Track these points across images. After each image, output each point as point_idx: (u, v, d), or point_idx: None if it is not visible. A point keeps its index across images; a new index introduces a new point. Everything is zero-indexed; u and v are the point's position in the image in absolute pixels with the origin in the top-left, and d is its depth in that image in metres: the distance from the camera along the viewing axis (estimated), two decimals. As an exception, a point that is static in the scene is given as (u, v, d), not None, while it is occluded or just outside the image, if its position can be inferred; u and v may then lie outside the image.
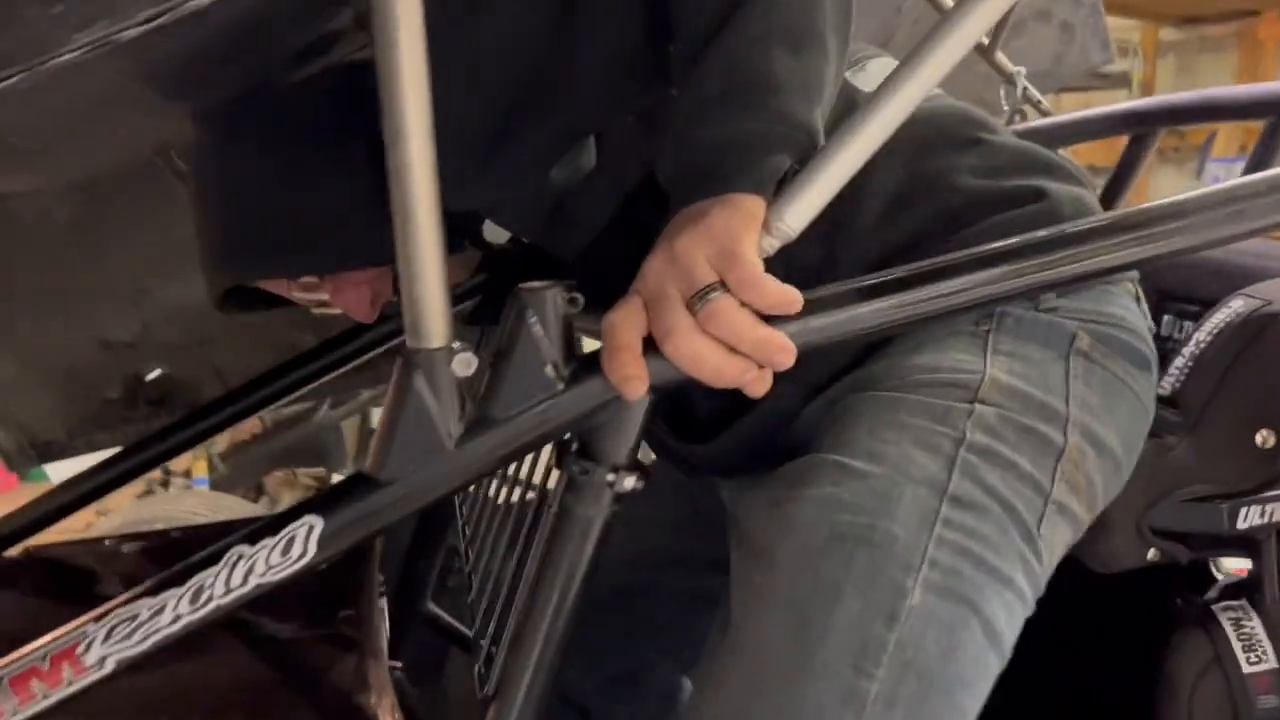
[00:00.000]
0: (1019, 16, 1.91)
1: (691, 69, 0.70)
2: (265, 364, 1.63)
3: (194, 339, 1.68)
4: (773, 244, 0.67)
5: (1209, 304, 0.97)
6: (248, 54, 1.02)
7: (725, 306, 0.63)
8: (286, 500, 3.56)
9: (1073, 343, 0.79)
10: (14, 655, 0.64)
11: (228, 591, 0.64)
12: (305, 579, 0.66)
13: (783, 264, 0.67)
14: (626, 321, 0.65)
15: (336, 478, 3.58)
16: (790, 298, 0.65)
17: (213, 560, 0.65)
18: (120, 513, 2.99)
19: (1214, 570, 1.00)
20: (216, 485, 3.41)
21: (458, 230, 1.03)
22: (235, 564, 0.64)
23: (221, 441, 3.43)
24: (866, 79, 0.88)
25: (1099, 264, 0.72)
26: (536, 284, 0.67)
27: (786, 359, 0.64)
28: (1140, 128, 1.36)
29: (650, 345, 0.65)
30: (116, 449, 1.41)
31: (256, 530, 0.65)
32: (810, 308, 0.67)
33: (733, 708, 0.71)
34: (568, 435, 0.70)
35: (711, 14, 0.70)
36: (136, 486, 3.71)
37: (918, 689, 0.69)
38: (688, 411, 0.93)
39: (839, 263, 0.81)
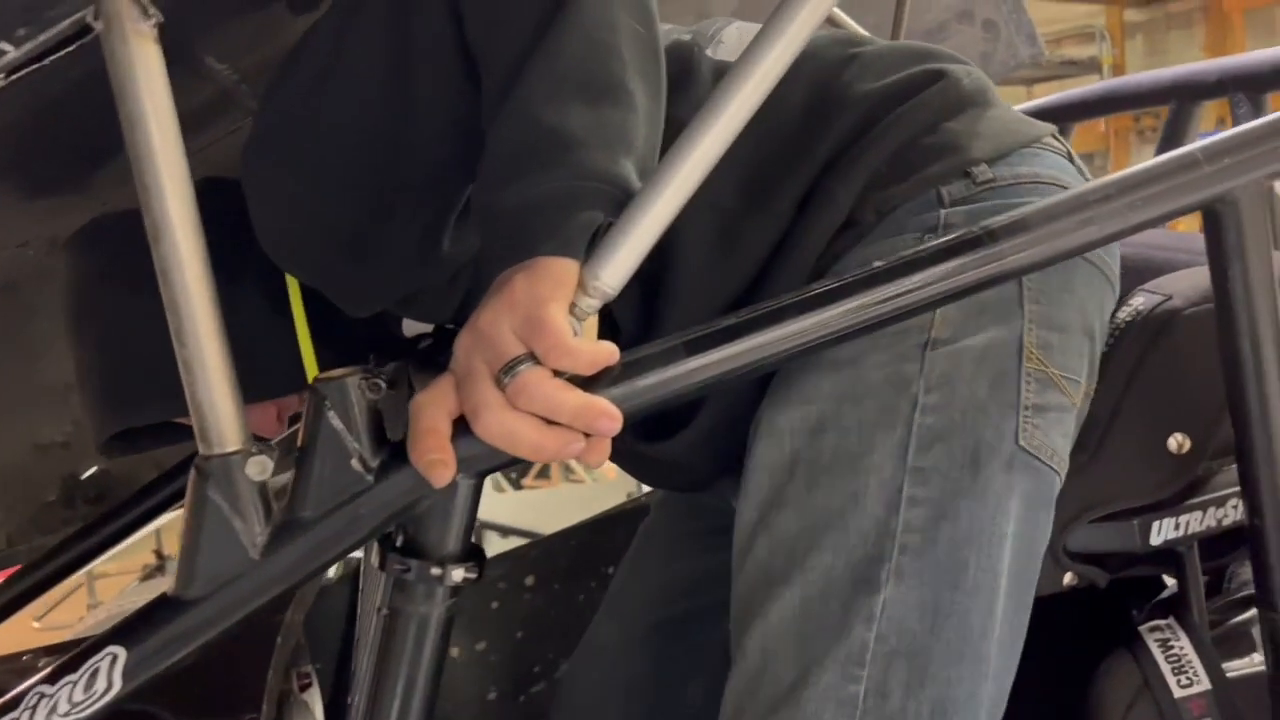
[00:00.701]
0: (940, 20, 1.87)
1: (487, 132, 0.66)
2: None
3: (127, 432, 1.64)
4: (591, 304, 0.63)
5: (1119, 300, 0.92)
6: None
7: (534, 378, 0.59)
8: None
9: None
10: None
11: (29, 736, 0.60)
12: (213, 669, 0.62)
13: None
14: (432, 404, 0.61)
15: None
16: (604, 354, 0.61)
17: (13, 705, 0.60)
18: (106, 605, 2.97)
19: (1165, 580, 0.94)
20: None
21: (372, 338, 1.00)
22: (36, 706, 0.60)
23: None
24: (727, 50, 0.86)
25: (958, 283, 0.67)
26: (334, 373, 0.63)
27: (612, 425, 0.60)
28: (1054, 123, 1.31)
29: (465, 426, 0.61)
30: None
31: (59, 667, 0.61)
32: (635, 367, 0.63)
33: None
34: (391, 530, 0.65)
35: (503, 74, 0.67)
36: (135, 570, 3.70)
37: (909, 672, 0.67)
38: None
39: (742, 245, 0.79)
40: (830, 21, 1.34)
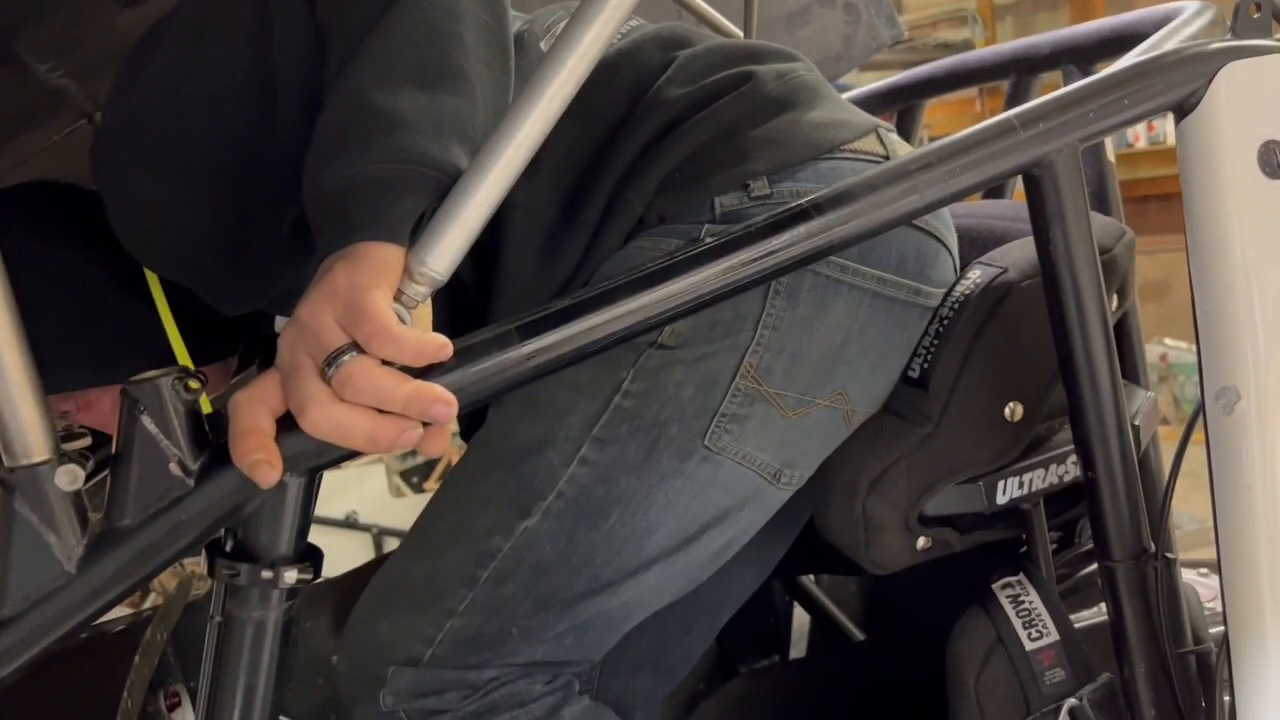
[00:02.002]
0: (802, 3, 1.90)
1: (321, 111, 0.64)
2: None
3: None
4: (420, 291, 0.62)
5: (962, 269, 0.94)
6: None
7: (360, 368, 0.57)
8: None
9: None
10: None
11: None
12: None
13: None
14: (252, 401, 0.59)
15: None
16: (434, 345, 0.60)
17: None
18: None
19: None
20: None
21: (243, 334, 0.97)
22: None
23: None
24: None
25: (787, 256, 0.68)
26: (147, 375, 0.60)
27: (447, 410, 0.59)
28: (904, 102, 1.34)
29: (292, 422, 0.59)
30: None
31: None
32: (469, 354, 0.62)
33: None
34: (219, 534, 0.63)
35: (340, 55, 0.65)
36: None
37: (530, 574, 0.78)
38: None
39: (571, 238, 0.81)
40: (683, 5, 1.34)
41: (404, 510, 3.76)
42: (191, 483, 0.60)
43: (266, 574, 0.61)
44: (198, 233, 0.80)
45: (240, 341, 1.03)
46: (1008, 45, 1.19)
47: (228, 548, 0.63)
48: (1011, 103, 1.14)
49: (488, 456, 0.81)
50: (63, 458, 0.58)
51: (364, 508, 3.77)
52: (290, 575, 0.61)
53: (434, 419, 0.59)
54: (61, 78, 1.08)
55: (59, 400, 0.95)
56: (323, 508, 3.81)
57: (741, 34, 1.39)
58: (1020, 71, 1.15)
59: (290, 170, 0.74)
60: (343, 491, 4.00)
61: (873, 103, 1.35)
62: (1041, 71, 1.14)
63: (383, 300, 0.59)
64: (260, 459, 0.58)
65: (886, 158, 0.82)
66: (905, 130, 1.36)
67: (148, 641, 1.04)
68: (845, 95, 1.37)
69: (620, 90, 0.82)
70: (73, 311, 0.92)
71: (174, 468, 0.60)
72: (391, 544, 3.17)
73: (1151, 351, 4.11)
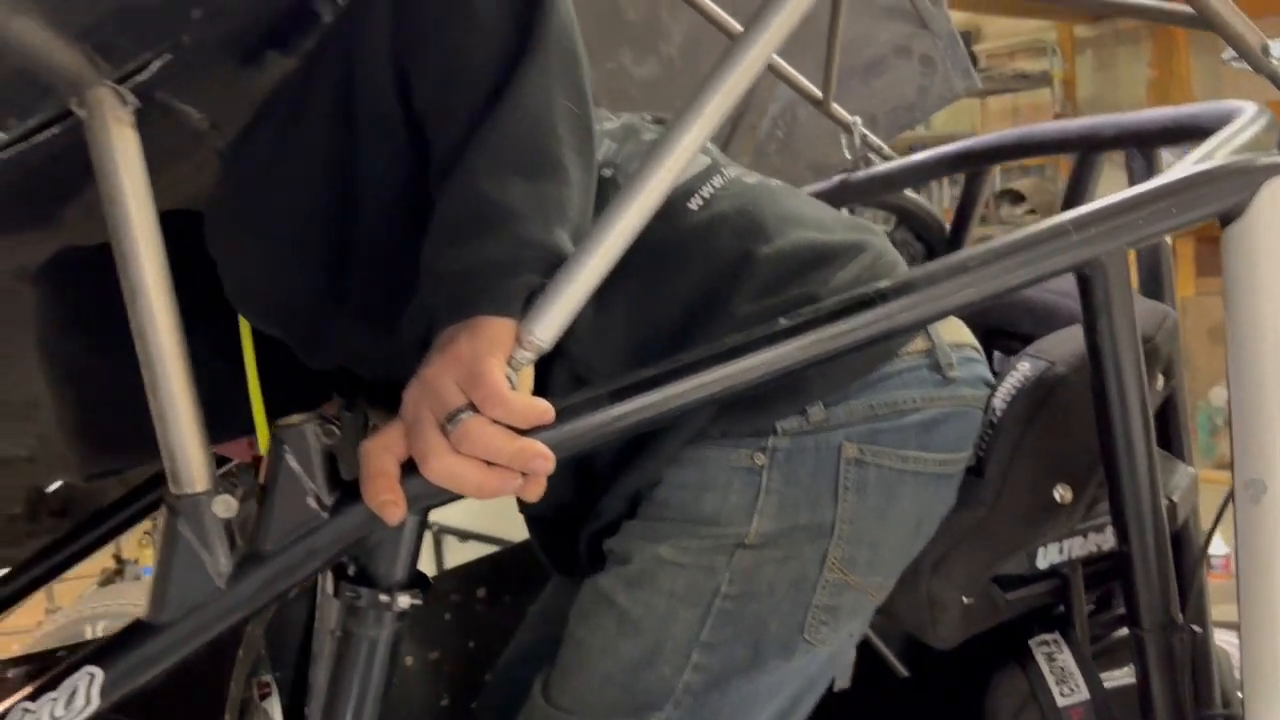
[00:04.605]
0: (879, 55, 1.96)
1: (436, 202, 0.73)
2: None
3: (91, 448, 1.69)
4: (527, 356, 0.70)
5: (1028, 339, 1.01)
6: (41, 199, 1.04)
7: (475, 426, 0.66)
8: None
9: (840, 455, 0.84)
10: None
11: (18, 749, 0.66)
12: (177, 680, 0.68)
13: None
14: (381, 449, 0.68)
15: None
16: (538, 410, 0.68)
17: (-1, 720, 0.67)
18: (65, 610, 2.99)
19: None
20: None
21: (324, 386, 1.04)
22: (20, 721, 0.66)
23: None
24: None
25: (853, 339, 0.75)
26: (293, 419, 0.70)
27: (546, 465, 0.67)
28: (972, 166, 1.40)
29: (413, 467, 0.68)
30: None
31: (40, 686, 0.67)
32: (566, 414, 0.71)
33: None
34: (344, 559, 0.72)
35: (450, 151, 0.74)
36: (93, 575, 3.70)
37: None
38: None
39: None
40: (770, 70, 1.42)
41: (460, 509, 3.87)
42: (326, 516, 0.69)
43: (384, 598, 0.70)
44: (289, 294, 0.87)
45: (334, 388, 1.10)
46: (1074, 123, 1.25)
47: (350, 572, 0.72)
48: (1075, 178, 1.20)
49: (593, 677, 0.86)
50: (218, 489, 0.68)
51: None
52: (404, 600, 0.71)
53: (534, 472, 0.68)
54: (205, 122, 1.19)
55: None
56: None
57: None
58: (1085, 149, 1.21)
59: (375, 248, 0.83)
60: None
61: (942, 166, 1.41)
62: (1105, 150, 1.19)
63: (498, 368, 0.68)
64: (388, 500, 0.67)
65: (932, 349, 0.88)
66: (972, 194, 1.43)
67: (249, 636, 1.15)
68: (916, 158, 1.44)
69: (689, 285, 0.84)
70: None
71: (311, 502, 0.69)
72: (452, 542, 3.27)
73: (1219, 394, 4.08)
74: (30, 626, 3.19)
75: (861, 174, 1.46)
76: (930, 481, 0.86)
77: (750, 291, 0.84)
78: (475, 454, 0.66)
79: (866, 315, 0.75)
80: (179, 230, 0.99)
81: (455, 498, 0.69)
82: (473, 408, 0.66)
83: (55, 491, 1.71)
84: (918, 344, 0.89)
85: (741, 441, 0.85)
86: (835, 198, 1.44)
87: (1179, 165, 0.84)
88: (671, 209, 0.81)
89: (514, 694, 1.01)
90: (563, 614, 0.91)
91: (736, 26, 1.38)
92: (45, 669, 1.29)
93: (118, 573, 3.68)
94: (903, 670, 1.43)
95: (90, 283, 0.96)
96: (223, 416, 0.96)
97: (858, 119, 1.45)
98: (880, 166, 1.47)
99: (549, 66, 0.73)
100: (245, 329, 0.98)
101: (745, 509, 0.84)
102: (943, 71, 1.98)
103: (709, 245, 0.85)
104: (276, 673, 1.34)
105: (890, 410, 0.85)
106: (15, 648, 2.69)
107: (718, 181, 0.90)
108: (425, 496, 0.69)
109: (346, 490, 0.70)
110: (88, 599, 2.96)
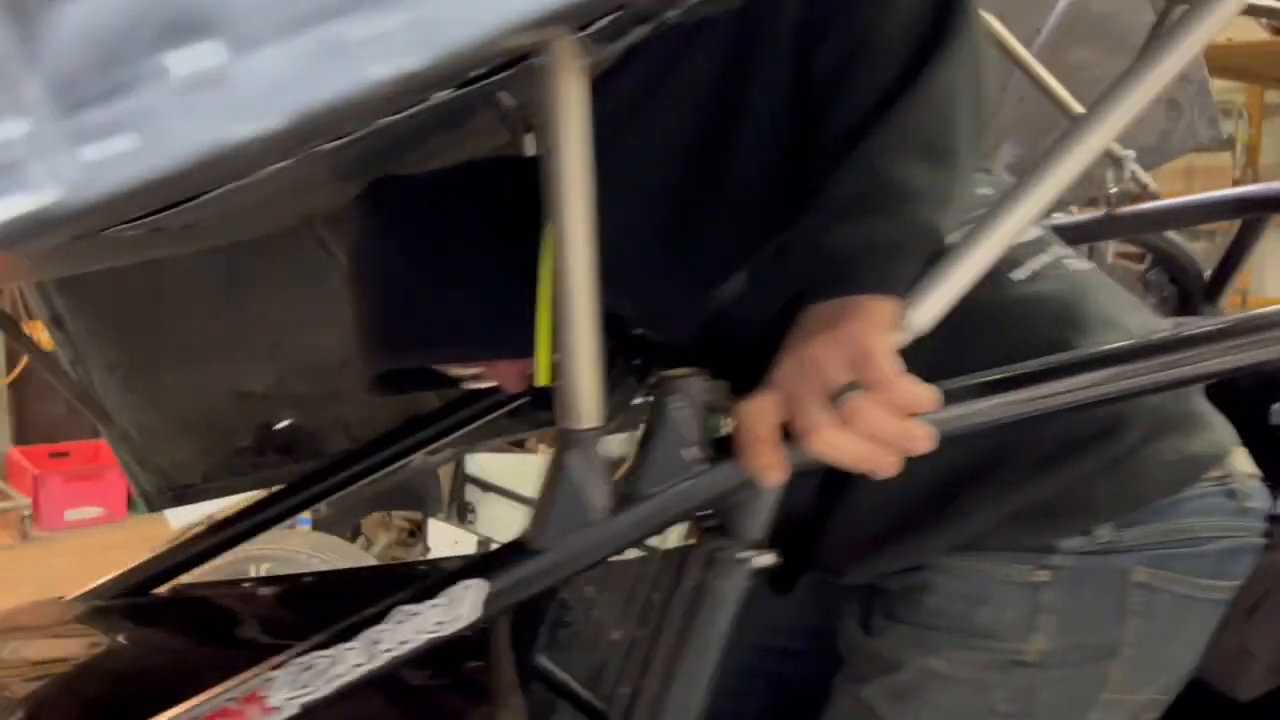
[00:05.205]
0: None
1: (829, 174, 0.75)
2: (389, 419, 1.73)
3: (323, 392, 1.78)
4: (900, 340, 0.72)
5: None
6: (406, 149, 1.11)
7: (865, 406, 0.67)
8: (381, 541, 3.69)
9: (1127, 579, 0.83)
10: (204, 697, 0.71)
11: (401, 644, 0.71)
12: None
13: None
14: (764, 414, 0.70)
15: (433, 522, 3.69)
16: (925, 398, 0.68)
17: (378, 619, 0.71)
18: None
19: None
20: (318, 525, 3.53)
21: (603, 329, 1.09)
22: (404, 622, 0.71)
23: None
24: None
25: (1209, 368, 0.75)
26: (680, 371, 0.73)
27: (926, 446, 0.69)
28: (1249, 213, 1.37)
29: (783, 435, 0.70)
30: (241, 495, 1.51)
31: (420, 591, 0.72)
32: (944, 399, 0.72)
33: None
34: (705, 512, 0.75)
35: (853, 124, 0.75)
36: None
37: None
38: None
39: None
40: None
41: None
42: (700, 469, 0.72)
43: (748, 554, 0.73)
44: (618, 244, 0.91)
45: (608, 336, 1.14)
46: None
47: (710, 525, 0.75)
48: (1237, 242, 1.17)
49: None
50: (609, 428, 0.72)
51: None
52: (765, 559, 0.73)
53: (913, 452, 0.69)
54: (519, 110, 1.25)
55: (472, 363, 1.10)
56: (524, 486, 4.01)
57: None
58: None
59: (718, 208, 0.85)
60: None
61: (1216, 210, 1.39)
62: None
63: (887, 350, 0.69)
64: (771, 462, 0.69)
65: (1228, 478, 0.85)
66: (1243, 242, 1.39)
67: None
68: (1186, 200, 1.42)
69: (1000, 353, 0.81)
70: (491, 292, 1.06)
71: (690, 452, 0.72)
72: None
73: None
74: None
75: (1127, 210, 1.44)
76: (1218, 607, 0.86)
77: None
78: (860, 433, 0.68)
79: (1193, 351, 0.75)
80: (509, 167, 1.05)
81: (823, 467, 0.71)
82: (857, 386, 0.68)
83: (283, 430, 1.80)
84: (1213, 471, 0.86)
85: (1021, 556, 0.84)
86: (1097, 231, 1.43)
87: None
88: (997, 274, 0.78)
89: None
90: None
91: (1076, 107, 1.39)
92: (295, 591, 1.36)
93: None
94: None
95: (426, 208, 1.05)
96: (505, 332, 1.01)
97: (1130, 153, 1.43)
98: (1144, 205, 1.45)
99: (960, 58, 0.74)
100: (546, 261, 1.02)
101: (1023, 625, 0.83)
102: (1188, 118, 1.94)
103: (1029, 322, 0.84)
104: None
105: (1186, 537, 0.83)
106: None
107: (1046, 258, 0.89)
108: (800, 464, 0.71)
109: (721, 447, 0.73)
110: (254, 541, 3.09)
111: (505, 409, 1.43)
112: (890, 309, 0.71)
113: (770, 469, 0.69)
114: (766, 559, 0.73)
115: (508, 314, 1.04)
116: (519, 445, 4.22)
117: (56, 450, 5.12)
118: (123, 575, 1.31)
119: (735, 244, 0.89)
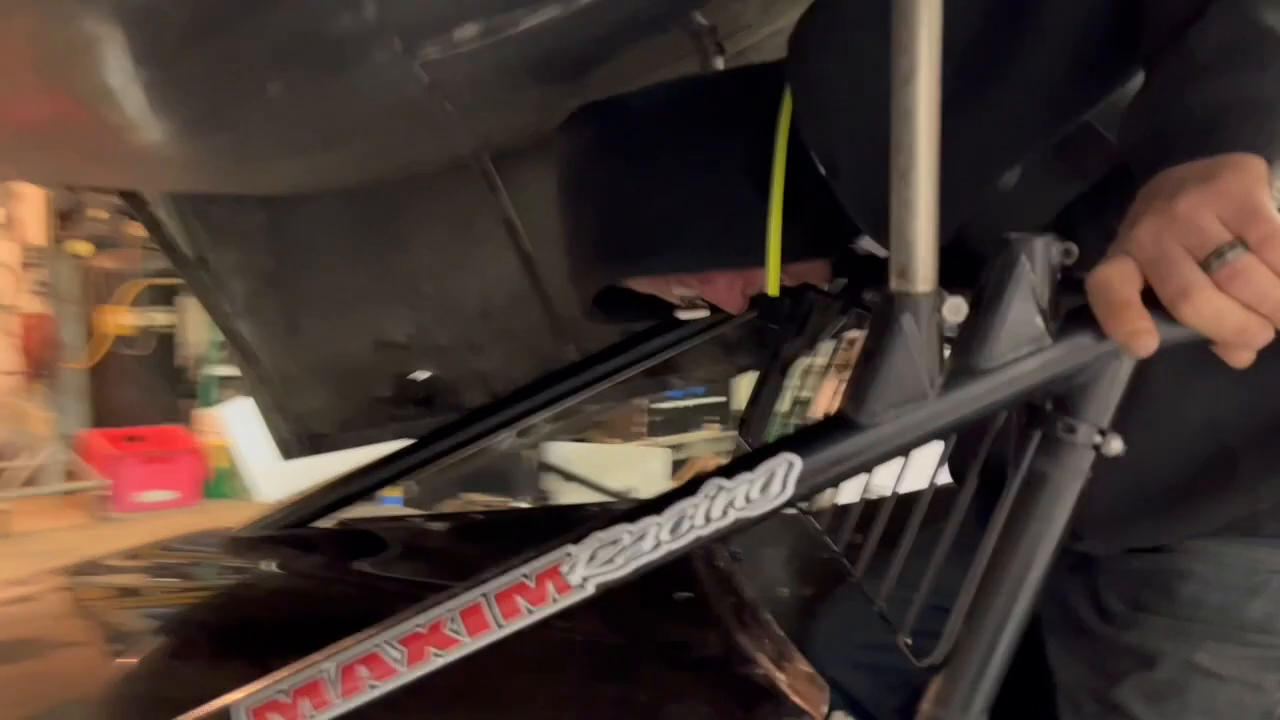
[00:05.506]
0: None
1: (1187, 28, 0.68)
2: (528, 371, 1.67)
3: (463, 343, 1.73)
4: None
5: None
6: (596, 60, 1.07)
7: (1249, 264, 0.59)
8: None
9: None
10: (496, 570, 0.65)
11: (707, 522, 0.64)
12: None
13: None
14: (1124, 278, 0.62)
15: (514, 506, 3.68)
16: None
17: (690, 491, 0.64)
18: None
19: None
20: (408, 503, 3.52)
21: (830, 242, 1.04)
22: (715, 496, 0.64)
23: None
24: None
25: None
26: (1029, 233, 0.65)
27: None
28: None
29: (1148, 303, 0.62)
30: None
31: (733, 465, 0.65)
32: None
33: None
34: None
35: None
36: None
37: None
38: None
39: None
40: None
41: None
42: (1050, 340, 0.64)
43: (1097, 438, 0.65)
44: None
45: (833, 250, 1.08)
46: None
47: (1048, 408, 0.67)
48: None
49: None
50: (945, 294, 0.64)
51: (642, 484, 3.99)
52: (1116, 444, 0.65)
53: None
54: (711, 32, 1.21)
55: (686, 278, 1.05)
56: (605, 478, 3.99)
57: None
58: None
59: (1027, 82, 0.79)
60: (627, 467, 4.20)
61: None
62: None
63: (1272, 207, 0.61)
64: (1141, 328, 0.61)
65: None
66: None
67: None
68: None
69: None
70: (714, 200, 1.01)
71: (1039, 322, 0.64)
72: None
73: None
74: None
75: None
76: None
77: None
78: (1244, 297, 0.60)
79: None
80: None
81: (1192, 340, 0.63)
82: (1241, 244, 0.60)
83: (422, 382, 1.75)
84: None
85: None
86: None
87: None
88: None
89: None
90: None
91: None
92: (465, 526, 1.31)
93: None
94: None
95: (618, 120, 1.03)
96: (731, 239, 0.98)
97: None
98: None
99: None
100: (779, 168, 0.97)
101: None
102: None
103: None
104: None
105: None
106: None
107: None
108: (1167, 336, 0.63)
109: (1071, 316, 0.65)
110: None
111: (643, 365, 1.38)
112: (1263, 168, 0.63)
113: (1140, 335, 0.61)
114: (1117, 445, 0.65)
115: (734, 219, 0.99)
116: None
117: (132, 434, 5.15)
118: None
119: (1022, 129, 0.82)
